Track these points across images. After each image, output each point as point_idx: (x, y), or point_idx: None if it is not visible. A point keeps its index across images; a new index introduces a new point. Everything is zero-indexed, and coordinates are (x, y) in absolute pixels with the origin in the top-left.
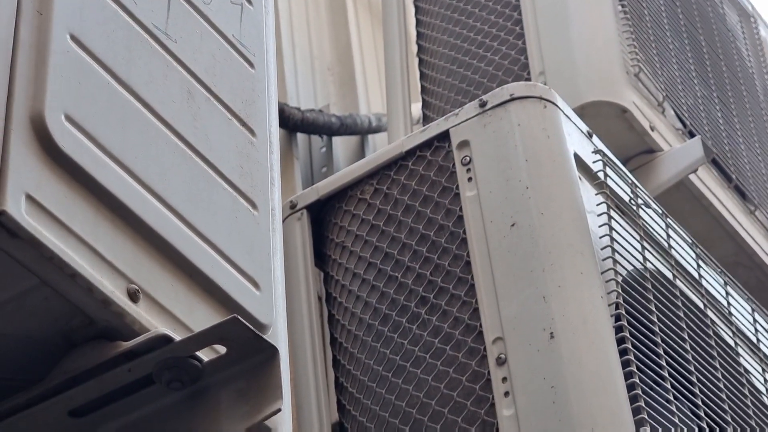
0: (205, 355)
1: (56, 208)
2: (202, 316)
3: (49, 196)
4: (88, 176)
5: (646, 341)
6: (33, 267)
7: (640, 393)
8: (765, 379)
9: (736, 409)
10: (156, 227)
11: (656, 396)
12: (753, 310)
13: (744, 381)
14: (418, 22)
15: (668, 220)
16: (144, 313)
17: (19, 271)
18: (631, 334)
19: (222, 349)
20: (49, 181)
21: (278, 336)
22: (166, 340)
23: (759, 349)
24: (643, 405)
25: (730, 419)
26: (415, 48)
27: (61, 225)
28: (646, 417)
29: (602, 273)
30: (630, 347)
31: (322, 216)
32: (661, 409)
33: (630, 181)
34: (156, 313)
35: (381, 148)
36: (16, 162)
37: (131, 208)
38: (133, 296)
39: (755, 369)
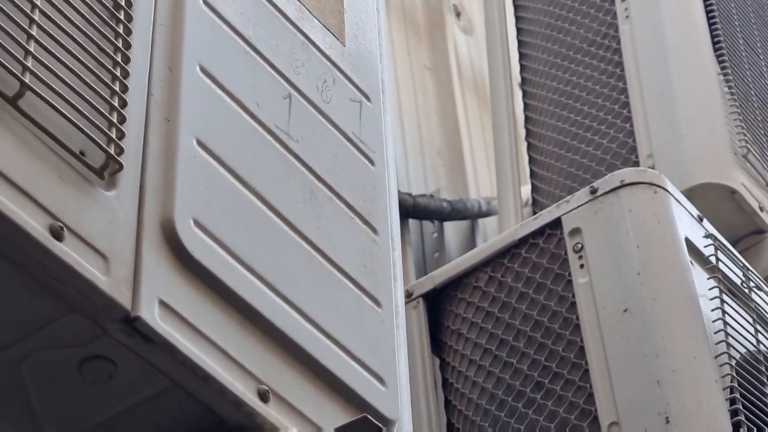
0: None
1: (188, 313)
2: (329, 414)
3: (181, 300)
4: (217, 280)
5: (762, 425)
6: (167, 370)
7: None
8: None
9: None
10: (283, 328)
11: None
12: None
13: None
14: (526, 106)
15: None
16: (274, 413)
17: (153, 374)
18: (746, 417)
19: None
20: (180, 286)
21: (404, 430)
22: None
23: None
24: None
25: None
26: (523, 132)
27: (193, 329)
28: None
29: (716, 357)
30: None
31: (438, 303)
32: None
33: (742, 264)
34: (285, 412)
35: (494, 236)
36: (148, 269)
37: (259, 311)
38: (264, 396)
39: None
